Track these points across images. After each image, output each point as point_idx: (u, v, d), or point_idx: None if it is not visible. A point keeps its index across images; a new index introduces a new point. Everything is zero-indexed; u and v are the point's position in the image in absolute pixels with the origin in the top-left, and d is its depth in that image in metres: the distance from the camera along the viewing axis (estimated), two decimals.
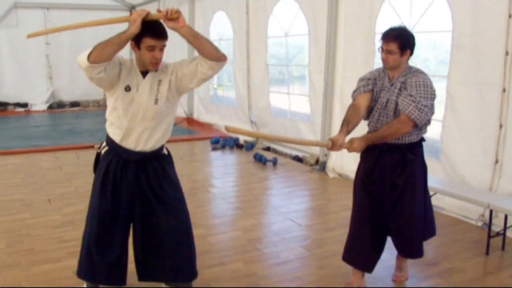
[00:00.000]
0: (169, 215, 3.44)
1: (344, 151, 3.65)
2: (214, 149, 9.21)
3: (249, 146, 9.04)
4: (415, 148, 3.69)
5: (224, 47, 11.23)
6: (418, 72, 3.59)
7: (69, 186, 6.59)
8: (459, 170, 5.49)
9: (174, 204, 3.48)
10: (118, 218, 3.41)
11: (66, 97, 14.66)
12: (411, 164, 3.65)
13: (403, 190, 3.64)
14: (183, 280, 3.59)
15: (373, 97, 3.71)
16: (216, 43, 10.55)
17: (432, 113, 3.56)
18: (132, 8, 15.17)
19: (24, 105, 14.09)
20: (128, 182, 3.37)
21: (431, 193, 4.99)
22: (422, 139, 3.75)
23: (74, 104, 14.73)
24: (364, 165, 3.78)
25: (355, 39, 6.83)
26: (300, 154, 8.28)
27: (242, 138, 9.55)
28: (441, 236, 4.93)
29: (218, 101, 11.81)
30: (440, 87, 5.84)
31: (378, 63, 6.85)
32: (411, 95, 3.47)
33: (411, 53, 3.59)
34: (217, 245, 4.74)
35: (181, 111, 12.27)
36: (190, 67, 3.25)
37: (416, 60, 6.94)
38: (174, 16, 2.97)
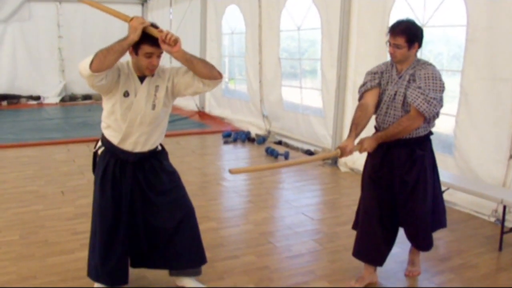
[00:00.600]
0: (170, 203, 3.51)
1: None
2: (225, 142, 9.22)
3: (261, 140, 9.05)
4: (423, 143, 3.67)
5: (236, 41, 11.24)
6: (427, 64, 3.56)
7: (82, 179, 6.63)
8: (472, 165, 5.46)
9: (173, 191, 3.54)
10: (120, 217, 3.43)
11: (78, 90, 14.71)
12: (421, 160, 3.62)
13: (414, 187, 3.62)
14: (191, 266, 3.64)
15: (381, 90, 3.69)
16: (228, 37, 10.49)
17: (441, 106, 3.53)
18: (144, 1, 15.20)
19: (37, 98, 14.20)
20: (127, 181, 3.41)
21: (443, 188, 4.98)
22: (430, 133, 3.72)
23: (86, 97, 14.79)
24: (372, 161, 3.77)
25: (369, 33, 6.80)
26: (312, 148, 8.27)
27: (253, 132, 9.56)
28: (454, 231, 4.93)
29: (230, 94, 11.81)
30: (453, 82, 5.83)
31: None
32: (419, 88, 3.44)
33: (419, 46, 3.55)
34: (229, 238, 4.76)
35: (192, 105, 12.30)
36: (186, 78, 3.29)
37: (429, 55, 6.91)
38: (171, 44, 3.01)
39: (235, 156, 8.43)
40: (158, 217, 3.49)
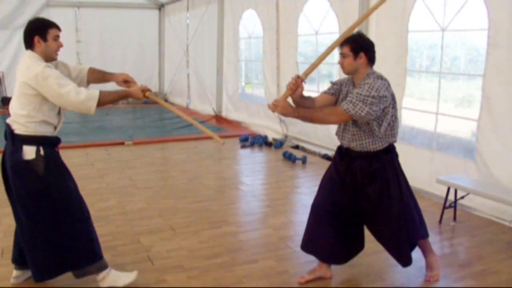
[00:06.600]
0: None
1: None
2: (243, 146, 9.22)
3: (278, 144, 9.03)
4: (381, 157, 3.68)
5: (254, 45, 11.25)
6: (377, 78, 3.60)
7: (101, 182, 6.65)
8: (493, 170, 5.40)
9: None
10: None
11: None
12: (380, 173, 3.66)
13: (379, 201, 3.67)
14: None
15: (335, 100, 3.82)
16: (245, 41, 10.57)
17: (370, 113, 3.44)
18: (161, 6, 15.24)
19: None
20: None
21: (463, 193, 4.96)
22: (390, 147, 3.71)
23: None
24: (338, 167, 3.84)
25: (387, 37, 6.76)
26: (329, 153, 8.24)
27: (271, 136, 9.56)
28: (474, 237, 4.88)
29: (246, 99, 11.80)
30: (471, 86, 5.79)
31: (411, 62, 6.78)
32: (352, 92, 3.54)
33: (368, 58, 3.63)
34: (248, 242, 4.75)
35: (209, 109, 12.33)
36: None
37: (445, 59, 6.87)
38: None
39: (253, 160, 8.41)
40: None
